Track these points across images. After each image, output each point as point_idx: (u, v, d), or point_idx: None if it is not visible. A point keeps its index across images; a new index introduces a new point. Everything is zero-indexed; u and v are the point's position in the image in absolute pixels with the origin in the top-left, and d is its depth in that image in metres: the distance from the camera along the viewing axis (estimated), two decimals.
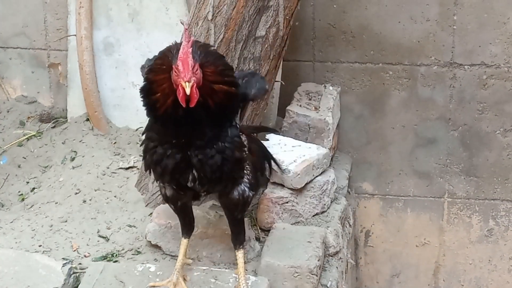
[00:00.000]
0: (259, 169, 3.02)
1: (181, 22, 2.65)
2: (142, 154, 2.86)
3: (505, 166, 4.07)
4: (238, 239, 2.98)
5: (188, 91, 2.51)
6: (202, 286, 2.97)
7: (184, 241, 3.01)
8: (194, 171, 2.72)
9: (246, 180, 2.88)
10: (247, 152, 2.85)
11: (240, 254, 2.97)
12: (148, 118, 2.76)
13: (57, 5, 4.19)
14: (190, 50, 2.53)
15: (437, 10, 3.91)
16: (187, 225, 3.02)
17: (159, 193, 3.50)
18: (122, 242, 3.34)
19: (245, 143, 2.84)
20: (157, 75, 2.62)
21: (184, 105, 2.55)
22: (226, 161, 2.71)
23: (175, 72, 2.54)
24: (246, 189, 2.88)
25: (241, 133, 2.82)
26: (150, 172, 2.85)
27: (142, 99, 2.69)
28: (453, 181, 4.13)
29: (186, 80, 2.51)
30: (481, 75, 3.97)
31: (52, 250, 3.28)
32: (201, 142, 2.67)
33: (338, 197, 3.71)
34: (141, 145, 2.90)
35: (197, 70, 2.54)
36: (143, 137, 2.84)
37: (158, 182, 2.91)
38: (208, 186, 2.80)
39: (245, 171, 2.87)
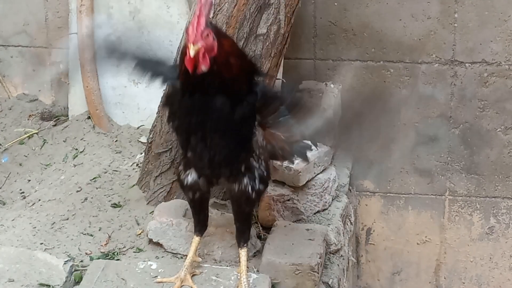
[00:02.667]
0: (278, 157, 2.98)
1: None
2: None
3: (506, 163, 4.08)
4: (242, 237, 2.96)
5: (191, 53, 2.49)
6: (204, 283, 2.97)
7: (196, 239, 3.01)
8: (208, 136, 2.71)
9: (257, 174, 2.85)
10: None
11: (243, 252, 2.96)
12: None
13: (58, 3, 4.20)
14: (203, 14, 2.51)
15: (438, 8, 3.91)
16: (201, 222, 3.00)
17: (160, 191, 3.52)
18: (123, 240, 3.35)
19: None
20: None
21: (190, 69, 2.54)
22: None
23: (186, 34, 2.53)
24: (257, 182, 2.86)
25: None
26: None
27: None
28: (454, 179, 4.13)
29: (192, 42, 2.49)
30: (482, 73, 3.97)
31: (54, 247, 3.28)
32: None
33: (339, 195, 3.71)
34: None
35: (208, 36, 2.52)
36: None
37: (180, 167, 2.90)
38: (218, 158, 2.76)
39: (256, 162, 2.84)
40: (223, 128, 2.69)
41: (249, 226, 3.00)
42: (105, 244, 3.30)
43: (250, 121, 2.74)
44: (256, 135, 2.78)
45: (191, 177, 2.89)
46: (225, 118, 2.66)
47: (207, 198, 2.99)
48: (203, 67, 2.55)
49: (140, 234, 3.36)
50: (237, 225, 2.97)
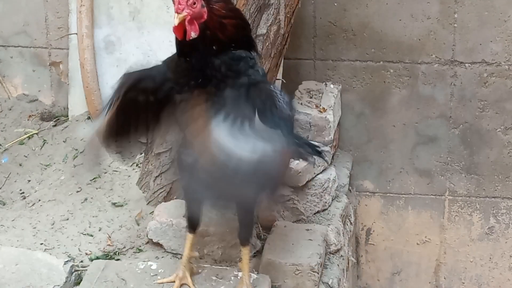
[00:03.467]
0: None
1: None
2: None
3: (506, 164, 4.08)
4: (245, 233, 2.93)
5: (175, 22, 2.57)
6: (204, 284, 2.97)
7: (189, 236, 2.99)
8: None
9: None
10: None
11: (246, 250, 2.94)
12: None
13: (58, 3, 4.19)
14: None
15: (437, 8, 3.91)
16: (194, 215, 2.97)
17: (160, 191, 3.52)
18: (123, 240, 3.35)
19: None
20: None
21: (179, 37, 2.62)
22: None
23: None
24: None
25: None
26: None
27: None
28: (454, 179, 4.14)
29: (176, 11, 2.58)
30: (482, 73, 3.97)
31: (54, 248, 3.28)
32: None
33: (339, 195, 3.71)
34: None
35: (195, 4, 2.60)
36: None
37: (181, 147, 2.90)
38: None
39: None
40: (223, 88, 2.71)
41: (252, 222, 2.98)
42: (108, 244, 3.31)
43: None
44: None
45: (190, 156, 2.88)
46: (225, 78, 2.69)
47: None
48: (193, 33, 2.62)
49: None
50: (240, 220, 2.91)
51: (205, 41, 2.65)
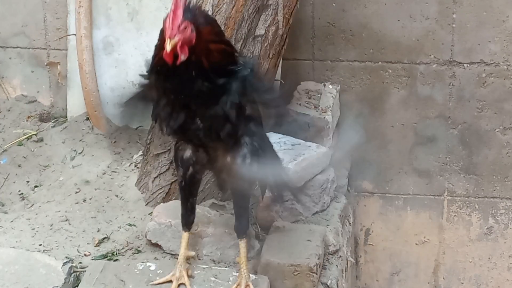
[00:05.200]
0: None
1: None
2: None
3: (504, 164, 4.08)
4: (241, 224, 2.95)
5: (168, 48, 2.54)
6: (202, 284, 2.97)
7: (185, 235, 3.00)
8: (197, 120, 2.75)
9: (247, 142, 2.84)
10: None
11: (242, 243, 2.96)
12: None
13: (57, 4, 4.19)
14: (181, 7, 2.57)
15: (436, 9, 3.91)
16: (188, 212, 2.99)
17: (159, 191, 3.52)
18: (122, 241, 3.35)
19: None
20: (163, 26, 2.66)
21: (169, 62, 2.59)
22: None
23: (164, 29, 2.60)
24: (247, 152, 2.82)
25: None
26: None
27: None
28: (453, 179, 4.14)
29: (169, 37, 2.55)
30: (481, 73, 3.97)
31: (53, 249, 3.28)
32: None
33: (337, 196, 3.71)
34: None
35: (185, 28, 2.58)
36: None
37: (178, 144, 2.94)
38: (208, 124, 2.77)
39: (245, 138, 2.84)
40: (206, 105, 2.72)
41: (247, 213, 2.99)
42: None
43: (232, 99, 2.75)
44: (246, 110, 2.78)
45: (187, 152, 2.90)
46: (207, 99, 2.69)
47: (198, 181, 2.98)
48: (182, 56, 2.60)
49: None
50: (236, 210, 2.95)
51: (188, 66, 2.61)
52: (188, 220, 3.01)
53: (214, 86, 2.67)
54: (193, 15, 2.61)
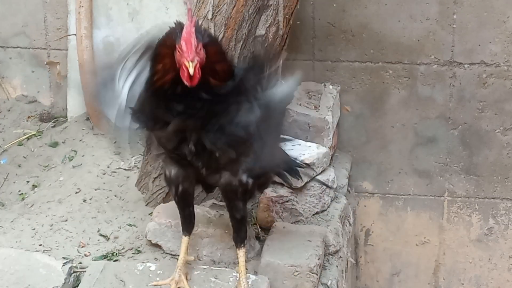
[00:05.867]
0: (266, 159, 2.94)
1: (184, 2, 2.67)
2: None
3: (505, 164, 4.08)
4: (239, 236, 2.96)
5: (191, 71, 2.53)
6: (202, 285, 2.97)
7: (185, 239, 3.01)
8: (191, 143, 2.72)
9: (244, 168, 2.83)
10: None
11: (241, 252, 2.96)
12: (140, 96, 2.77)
13: (57, 4, 4.19)
14: (194, 30, 2.55)
15: (437, 9, 3.91)
16: (187, 220, 3.00)
17: (159, 192, 3.52)
18: (122, 241, 3.35)
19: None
20: (162, 49, 2.65)
21: (189, 84, 2.57)
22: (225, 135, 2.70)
23: (179, 51, 2.56)
24: (245, 176, 2.84)
25: None
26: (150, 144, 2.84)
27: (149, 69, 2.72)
28: (453, 179, 4.13)
29: (190, 60, 2.53)
30: (481, 73, 3.97)
31: (53, 249, 3.28)
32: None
33: (338, 196, 3.71)
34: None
35: (200, 49, 2.57)
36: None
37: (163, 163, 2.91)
38: (204, 156, 2.77)
39: (243, 161, 2.83)
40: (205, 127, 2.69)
41: (245, 225, 2.99)
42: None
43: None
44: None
45: (173, 169, 2.89)
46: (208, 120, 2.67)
47: (192, 192, 2.98)
48: (197, 79, 2.59)
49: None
50: (233, 224, 2.96)
51: (197, 87, 2.59)
52: (188, 226, 3.02)
53: (218, 106, 2.66)
54: (202, 34, 2.61)
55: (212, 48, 2.64)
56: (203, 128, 2.68)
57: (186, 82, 2.57)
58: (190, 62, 2.53)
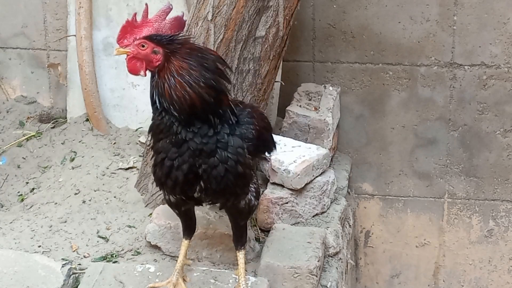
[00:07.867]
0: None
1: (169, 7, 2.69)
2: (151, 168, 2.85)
3: (505, 166, 4.07)
4: (239, 240, 2.97)
5: (114, 52, 2.62)
6: (202, 286, 2.97)
7: (185, 242, 3.01)
8: (201, 182, 2.72)
9: (253, 189, 2.87)
10: (253, 172, 2.86)
11: (241, 254, 2.96)
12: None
13: (57, 5, 4.19)
14: (152, 25, 2.67)
15: (437, 10, 3.91)
16: (189, 227, 3.01)
17: (158, 193, 3.51)
18: (121, 242, 3.34)
19: (249, 160, 2.79)
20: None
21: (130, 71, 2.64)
22: (229, 172, 2.70)
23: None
24: (252, 198, 2.88)
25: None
26: (162, 187, 2.80)
27: None
28: (453, 181, 4.13)
29: (117, 41, 2.64)
30: (481, 75, 3.96)
31: (52, 250, 3.27)
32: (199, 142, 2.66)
33: (338, 198, 3.70)
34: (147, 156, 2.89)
35: (144, 46, 2.63)
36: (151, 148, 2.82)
37: (164, 192, 2.89)
38: (212, 197, 2.80)
39: (251, 185, 2.86)
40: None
41: (246, 230, 3.00)
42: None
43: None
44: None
45: (173, 197, 2.88)
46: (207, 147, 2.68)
47: (193, 209, 3.00)
48: (141, 72, 2.63)
49: None
50: (234, 231, 2.98)
51: (173, 110, 2.61)
52: (189, 231, 3.02)
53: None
54: (168, 39, 2.64)
55: (178, 62, 2.60)
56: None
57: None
58: (117, 44, 2.61)
